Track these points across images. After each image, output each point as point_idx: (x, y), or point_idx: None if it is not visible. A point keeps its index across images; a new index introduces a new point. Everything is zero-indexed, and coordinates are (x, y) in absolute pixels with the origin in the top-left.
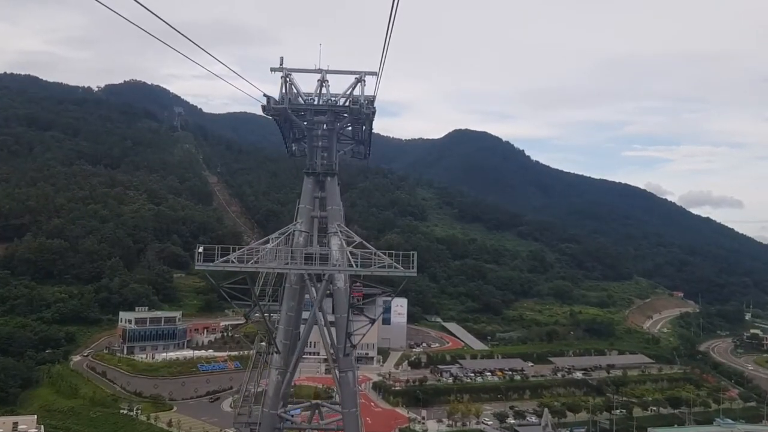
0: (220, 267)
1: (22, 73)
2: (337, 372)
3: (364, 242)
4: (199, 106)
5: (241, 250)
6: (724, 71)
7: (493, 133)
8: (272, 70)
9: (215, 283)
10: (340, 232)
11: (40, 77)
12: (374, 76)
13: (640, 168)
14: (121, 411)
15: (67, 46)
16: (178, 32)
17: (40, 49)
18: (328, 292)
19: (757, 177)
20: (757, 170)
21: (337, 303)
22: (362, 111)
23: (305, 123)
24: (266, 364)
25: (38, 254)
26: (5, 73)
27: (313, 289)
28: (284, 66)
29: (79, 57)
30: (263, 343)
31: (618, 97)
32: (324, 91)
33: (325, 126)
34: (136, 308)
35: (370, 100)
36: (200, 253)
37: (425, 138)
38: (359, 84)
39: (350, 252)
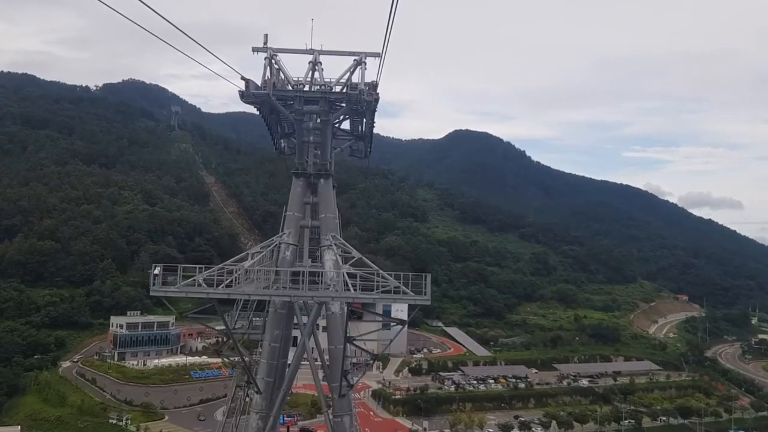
0: (181, 293)
1: (20, 72)
2: (330, 416)
3: (364, 258)
4: (198, 106)
5: (211, 270)
6: (722, 72)
7: (493, 134)
8: (254, 50)
9: (175, 309)
10: (335, 245)
11: (38, 76)
12: (377, 58)
13: (640, 169)
14: (110, 420)
15: (66, 46)
16: (179, 29)
17: (38, 49)
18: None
19: (757, 178)
20: (757, 171)
21: (331, 332)
22: (362, 98)
23: (293, 114)
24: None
25: (29, 256)
26: (2, 71)
27: (302, 314)
28: (269, 45)
29: (78, 57)
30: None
31: (617, 97)
32: (317, 76)
33: (318, 118)
34: (128, 312)
35: (372, 86)
36: (156, 275)
37: (425, 138)
38: (359, 68)
39: (347, 272)
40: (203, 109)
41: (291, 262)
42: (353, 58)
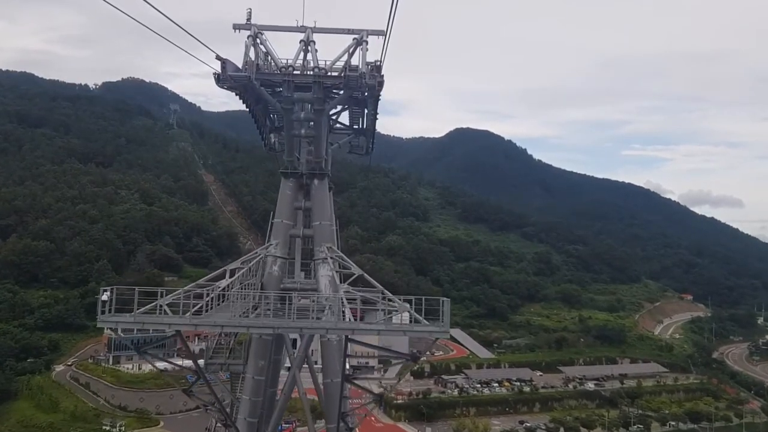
0: (137, 323)
1: (19, 70)
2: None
3: (366, 275)
4: (198, 105)
5: (176, 293)
6: (722, 71)
7: (494, 132)
8: (236, 27)
9: (125, 339)
10: (332, 258)
11: (37, 75)
12: (380, 38)
13: (640, 167)
14: (104, 427)
15: (66, 44)
16: (180, 27)
17: (38, 48)
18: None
19: (756, 176)
20: (756, 170)
21: (326, 363)
22: (364, 81)
23: (282, 103)
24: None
25: (23, 256)
26: (1, 70)
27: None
28: (252, 22)
29: (78, 56)
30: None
31: (617, 96)
32: (309, 58)
33: (311, 108)
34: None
35: (376, 67)
36: (105, 301)
37: (426, 137)
38: (359, 48)
39: (346, 294)
40: (203, 108)
41: (279, 279)
42: (352, 36)
